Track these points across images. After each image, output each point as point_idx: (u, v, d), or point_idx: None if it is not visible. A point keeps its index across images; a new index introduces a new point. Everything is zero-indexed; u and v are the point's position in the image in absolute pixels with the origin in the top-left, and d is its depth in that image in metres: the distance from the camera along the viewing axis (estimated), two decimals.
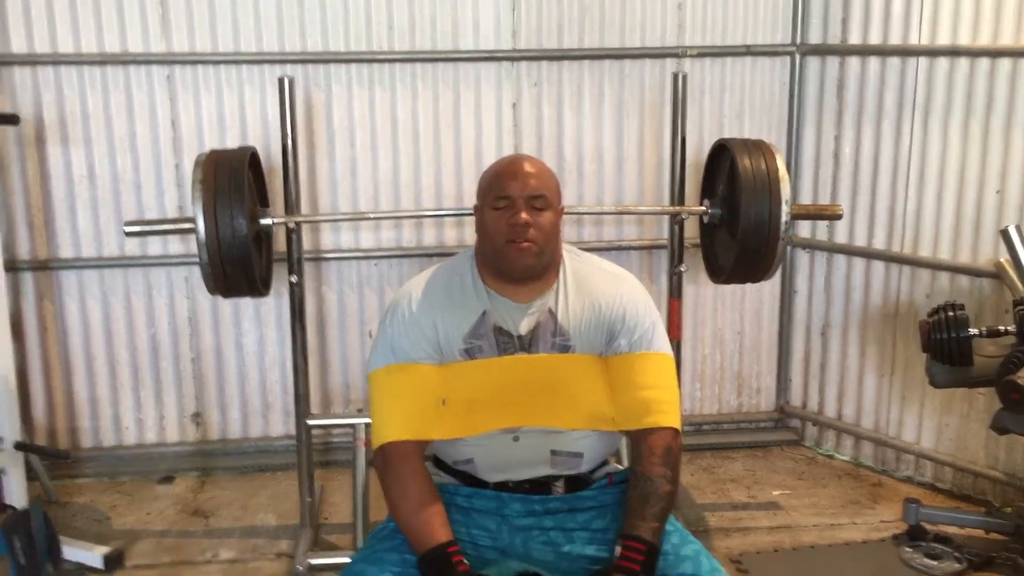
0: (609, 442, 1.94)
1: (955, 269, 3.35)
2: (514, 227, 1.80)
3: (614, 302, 1.89)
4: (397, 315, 1.89)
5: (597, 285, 1.91)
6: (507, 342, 1.86)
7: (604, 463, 1.96)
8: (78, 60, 3.41)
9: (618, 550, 1.71)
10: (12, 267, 3.47)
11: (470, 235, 2.04)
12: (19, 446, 2.98)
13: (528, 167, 1.86)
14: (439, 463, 1.96)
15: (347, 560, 1.79)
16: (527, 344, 1.86)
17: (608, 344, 1.88)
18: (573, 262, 1.95)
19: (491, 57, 3.56)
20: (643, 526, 1.71)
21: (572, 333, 1.86)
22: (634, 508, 1.75)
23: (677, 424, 1.86)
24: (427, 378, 1.85)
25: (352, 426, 3.05)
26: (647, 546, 1.68)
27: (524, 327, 1.86)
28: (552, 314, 1.87)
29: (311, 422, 3.17)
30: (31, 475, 3.23)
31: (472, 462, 1.87)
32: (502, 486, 1.87)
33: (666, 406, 1.85)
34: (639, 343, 1.87)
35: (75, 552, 2.96)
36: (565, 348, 1.86)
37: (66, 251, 3.56)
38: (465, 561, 1.69)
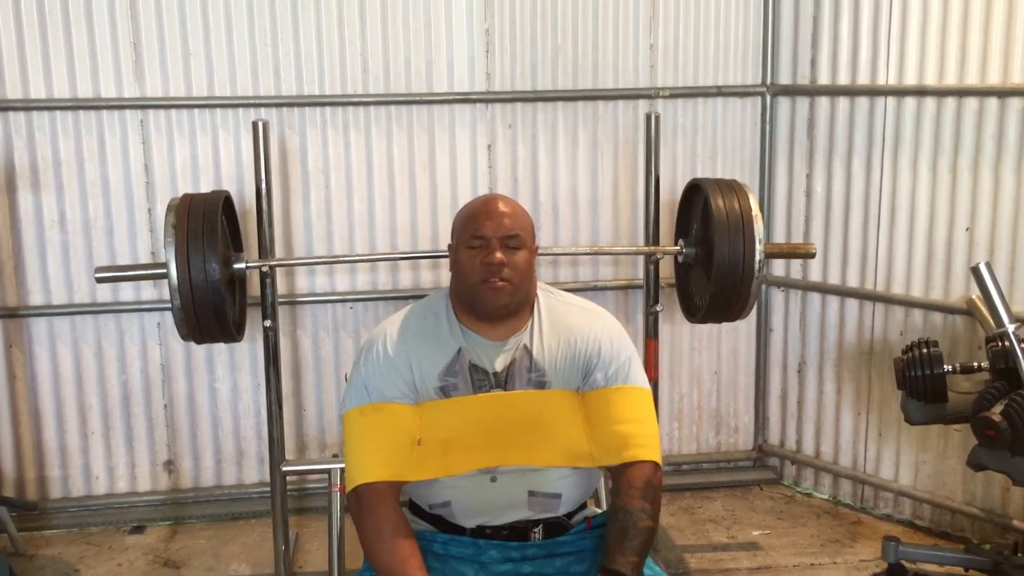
0: (587, 483, 1.93)
1: (928, 306, 3.37)
2: (488, 266, 1.81)
3: (589, 337, 1.89)
4: (371, 355, 1.88)
5: (572, 321, 1.92)
6: (482, 379, 1.86)
7: (582, 507, 1.94)
8: (50, 106, 3.39)
9: None
10: None
11: (446, 277, 2.04)
12: None
13: (502, 207, 1.87)
14: (415, 508, 1.93)
15: None
16: (503, 381, 1.86)
17: (584, 379, 1.88)
18: (548, 299, 1.96)
19: (465, 99, 3.58)
20: (621, 560, 1.69)
21: (548, 369, 1.87)
22: (613, 542, 1.73)
23: (657, 458, 1.85)
24: (402, 418, 1.83)
25: (328, 471, 3.00)
26: None
27: (499, 364, 1.87)
28: (527, 350, 1.88)
29: (285, 468, 3.13)
30: None
31: (449, 505, 1.84)
32: (479, 532, 1.84)
33: (645, 439, 1.85)
34: (615, 377, 1.87)
35: None
36: (541, 384, 1.86)
37: (36, 298, 3.51)
38: None
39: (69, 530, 3.57)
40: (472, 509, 1.84)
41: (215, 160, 3.51)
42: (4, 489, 3.53)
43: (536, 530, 1.85)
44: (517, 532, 1.84)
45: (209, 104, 3.47)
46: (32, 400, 3.57)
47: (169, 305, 2.73)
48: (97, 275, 2.80)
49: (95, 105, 3.42)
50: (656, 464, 1.84)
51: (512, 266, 1.83)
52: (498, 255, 1.81)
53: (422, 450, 1.82)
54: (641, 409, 1.89)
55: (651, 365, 3.17)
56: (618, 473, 1.83)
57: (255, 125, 2.96)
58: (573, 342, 1.89)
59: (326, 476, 3.01)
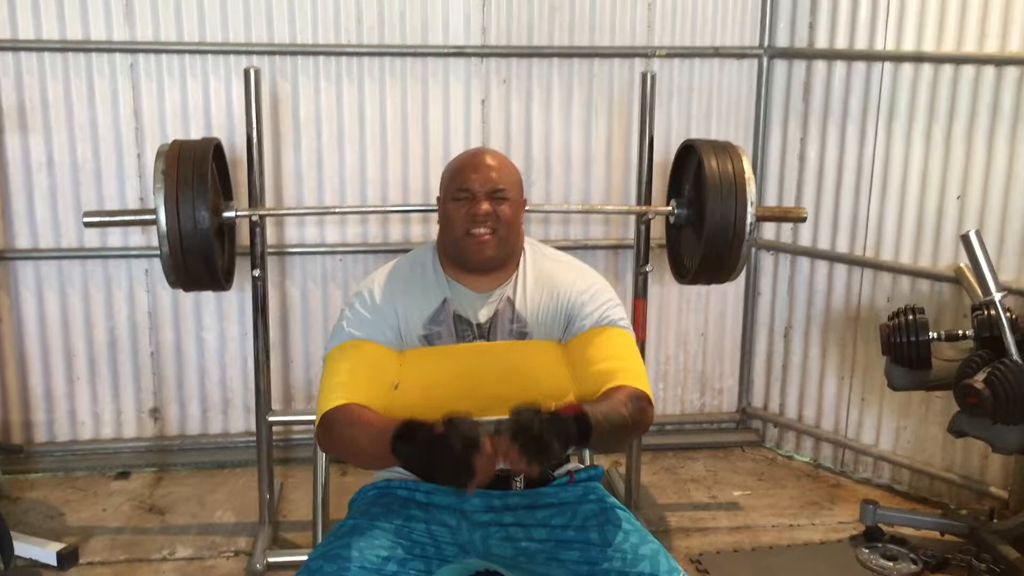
0: None
1: (916, 273, 3.39)
2: (474, 218, 1.85)
3: (572, 288, 1.92)
4: (358, 301, 1.91)
5: (556, 274, 1.95)
6: (466, 330, 1.89)
7: (565, 460, 1.96)
8: (39, 46, 3.34)
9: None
10: None
11: (435, 231, 2.04)
12: None
13: (490, 160, 1.89)
14: None
15: (305, 558, 1.77)
16: (485, 332, 1.88)
17: (566, 330, 1.90)
18: (535, 254, 1.98)
19: (460, 53, 3.54)
20: (589, 406, 1.67)
21: (529, 320, 1.89)
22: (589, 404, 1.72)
23: (646, 388, 1.83)
24: (382, 358, 1.85)
25: (314, 423, 3.01)
26: (583, 412, 1.63)
27: (483, 315, 1.89)
28: (510, 302, 1.91)
29: (272, 418, 3.14)
30: None
31: None
32: None
33: (631, 373, 1.85)
34: (598, 320, 1.89)
35: (28, 548, 2.91)
36: (522, 335, 1.89)
37: (23, 241, 3.48)
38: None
39: (54, 474, 3.58)
40: None
41: (205, 107, 3.47)
42: None
43: (518, 479, 1.87)
44: (499, 481, 1.86)
45: (200, 50, 3.42)
46: (18, 344, 3.56)
47: (157, 252, 2.71)
48: (85, 220, 2.78)
49: (84, 47, 3.37)
50: (644, 393, 1.82)
51: (498, 218, 1.85)
52: (484, 206, 1.85)
53: (400, 394, 1.85)
54: (626, 348, 1.89)
55: (639, 326, 3.18)
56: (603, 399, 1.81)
57: (247, 72, 2.92)
58: (556, 294, 1.91)
59: (312, 427, 3.03)
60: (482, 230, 1.85)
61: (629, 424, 1.75)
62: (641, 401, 1.81)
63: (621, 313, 1.94)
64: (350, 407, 1.80)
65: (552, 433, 1.55)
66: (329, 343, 1.92)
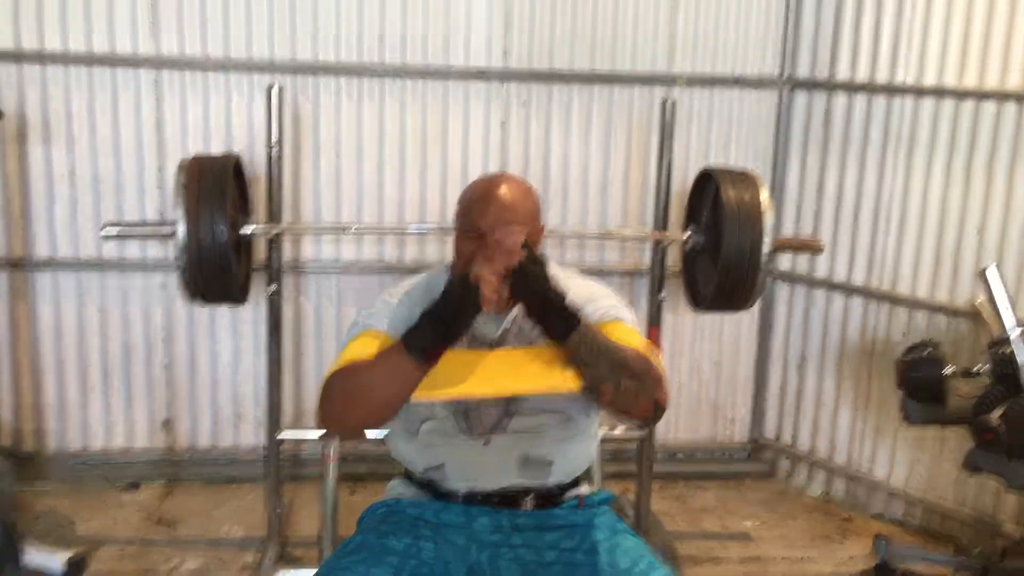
0: (582, 454, 1.93)
1: (933, 308, 3.37)
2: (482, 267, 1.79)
3: (578, 293, 1.84)
4: (375, 306, 1.88)
5: (568, 286, 1.90)
6: (480, 344, 1.87)
7: (575, 483, 1.94)
8: (64, 59, 3.38)
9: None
10: None
11: (452, 252, 2.03)
12: None
13: (503, 195, 1.82)
14: (408, 476, 1.94)
15: (312, 575, 1.76)
16: (495, 345, 1.87)
17: None
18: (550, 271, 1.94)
19: (481, 75, 3.57)
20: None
21: (536, 334, 1.85)
22: None
23: (658, 364, 1.78)
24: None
25: (323, 440, 3.01)
26: (579, 312, 1.67)
27: (494, 333, 1.88)
28: (517, 320, 1.88)
29: (282, 435, 3.14)
30: None
31: (442, 467, 1.85)
32: (471, 499, 1.85)
33: (641, 350, 1.80)
34: (603, 316, 1.84)
35: (37, 557, 2.91)
36: (530, 343, 1.85)
37: (42, 251, 3.51)
38: None
39: (64, 483, 3.58)
40: (464, 472, 1.85)
41: (227, 123, 3.50)
42: (1, 438, 3.55)
43: (527, 499, 1.85)
44: (508, 500, 1.85)
45: (224, 67, 3.46)
46: (33, 353, 3.58)
47: (175, 265, 2.72)
48: (105, 231, 2.80)
49: (110, 61, 3.41)
50: (654, 362, 1.77)
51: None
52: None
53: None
54: (634, 337, 1.83)
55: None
56: None
57: (269, 90, 2.95)
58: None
59: (321, 444, 3.03)
60: (491, 279, 1.80)
61: (628, 360, 1.71)
62: (649, 361, 1.76)
63: (629, 315, 1.90)
64: (350, 363, 1.77)
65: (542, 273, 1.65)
66: (343, 341, 1.87)
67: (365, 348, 1.79)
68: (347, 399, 1.73)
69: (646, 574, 1.72)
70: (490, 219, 1.80)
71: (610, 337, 1.78)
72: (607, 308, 1.87)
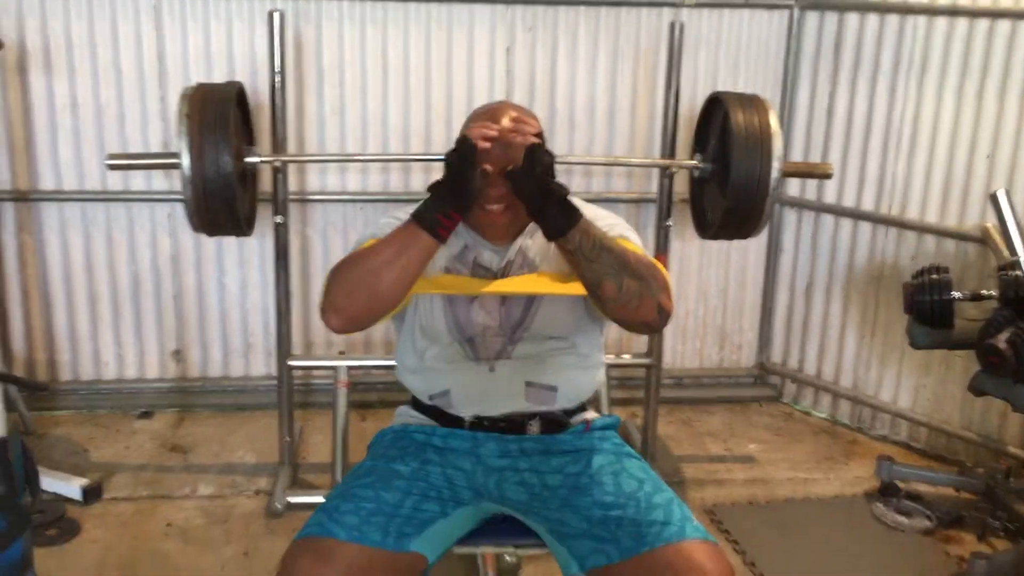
0: (587, 380, 1.94)
1: (941, 232, 3.35)
2: (488, 197, 1.79)
3: (586, 215, 1.81)
4: (382, 221, 1.88)
5: None
6: (485, 275, 1.87)
7: (582, 408, 1.96)
8: None
9: None
10: None
11: None
12: None
13: (506, 132, 1.77)
14: (415, 403, 1.96)
15: (323, 499, 1.79)
16: (500, 275, 1.87)
17: None
18: None
19: None
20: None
21: (539, 261, 1.86)
22: None
23: (669, 286, 1.76)
24: None
25: (334, 368, 3.05)
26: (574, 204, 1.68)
27: (498, 264, 1.88)
28: (522, 250, 1.88)
29: (292, 363, 3.17)
30: (8, 406, 3.21)
31: (448, 394, 1.87)
32: (477, 425, 1.87)
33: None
34: (613, 233, 1.81)
35: (53, 483, 2.97)
36: (533, 270, 1.87)
37: (47, 183, 3.51)
38: None
39: (78, 412, 3.64)
40: (470, 398, 1.87)
41: (229, 50, 3.46)
42: (15, 369, 3.60)
43: (532, 424, 1.88)
44: (514, 425, 1.87)
45: None
46: (43, 284, 3.60)
47: (180, 196, 2.72)
48: (108, 162, 2.79)
49: None
50: (660, 268, 1.75)
51: (512, 195, 1.78)
52: (495, 192, 1.77)
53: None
54: (640, 251, 1.81)
55: None
56: None
57: (271, 15, 2.91)
58: None
59: (331, 372, 3.07)
60: (495, 207, 1.80)
61: (631, 259, 1.69)
62: (654, 264, 1.75)
63: (635, 236, 1.88)
64: (356, 251, 1.77)
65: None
66: (348, 251, 1.85)
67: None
68: (354, 282, 1.71)
69: (651, 497, 1.74)
70: (493, 157, 1.77)
71: None
72: (612, 226, 1.85)
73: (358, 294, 1.71)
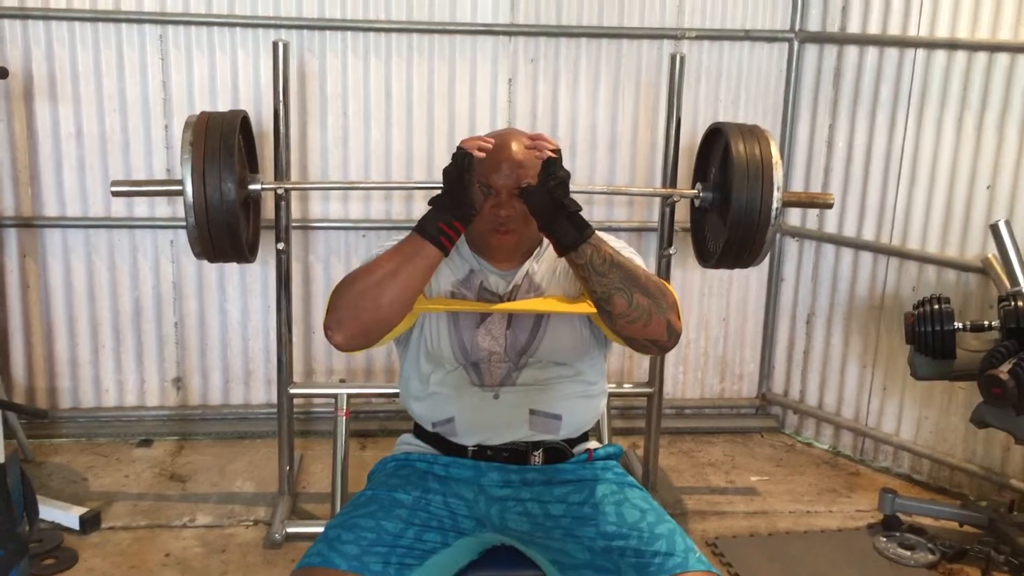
0: (590, 408, 1.93)
1: (942, 263, 3.36)
2: (496, 217, 1.80)
3: None
4: (386, 244, 1.84)
5: None
6: (490, 298, 1.88)
7: (584, 438, 1.96)
8: (69, 15, 3.36)
9: None
10: None
11: None
12: None
13: (516, 154, 1.80)
14: (418, 431, 1.96)
15: (323, 529, 1.78)
16: (506, 300, 1.88)
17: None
18: None
19: (488, 31, 3.53)
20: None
21: (546, 286, 1.88)
22: None
23: (677, 306, 1.76)
24: None
25: (334, 396, 3.04)
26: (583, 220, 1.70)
27: (505, 289, 1.89)
28: (529, 276, 1.90)
29: (293, 391, 3.16)
30: (8, 433, 3.20)
31: (452, 421, 1.87)
32: (480, 454, 1.86)
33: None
34: (620, 253, 1.79)
35: (51, 512, 2.95)
36: (539, 294, 1.88)
37: (51, 209, 3.52)
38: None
39: (78, 440, 3.63)
40: (474, 425, 1.86)
41: (233, 80, 3.49)
42: (15, 396, 3.59)
43: (536, 454, 1.87)
44: (517, 455, 1.86)
45: (229, 23, 3.43)
46: (44, 311, 3.60)
47: (183, 223, 2.72)
48: (113, 189, 2.79)
49: (114, 17, 3.39)
50: (670, 291, 1.76)
51: (522, 216, 1.80)
52: (507, 211, 1.79)
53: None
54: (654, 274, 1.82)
55: None
56: None
57: (275, 46, 2.93)
58: None
59: (332, 400, 3.06)
60: (505, 228, 1.81)
61: (641, 276, 1.70)
62: (663, 283, 1.75)
63: (641, 262, 1.87)
64: (360, 267, 1.76)
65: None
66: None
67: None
68: (358, 295, 1.70)
69: (653, 527, 1.73)
70: (504, 176, 1.79)
71: None
72: (620, 249, 1.84)
73: (362, 307, 1.70)
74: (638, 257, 1.89)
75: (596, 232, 1.71)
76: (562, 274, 1.90)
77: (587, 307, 1.75)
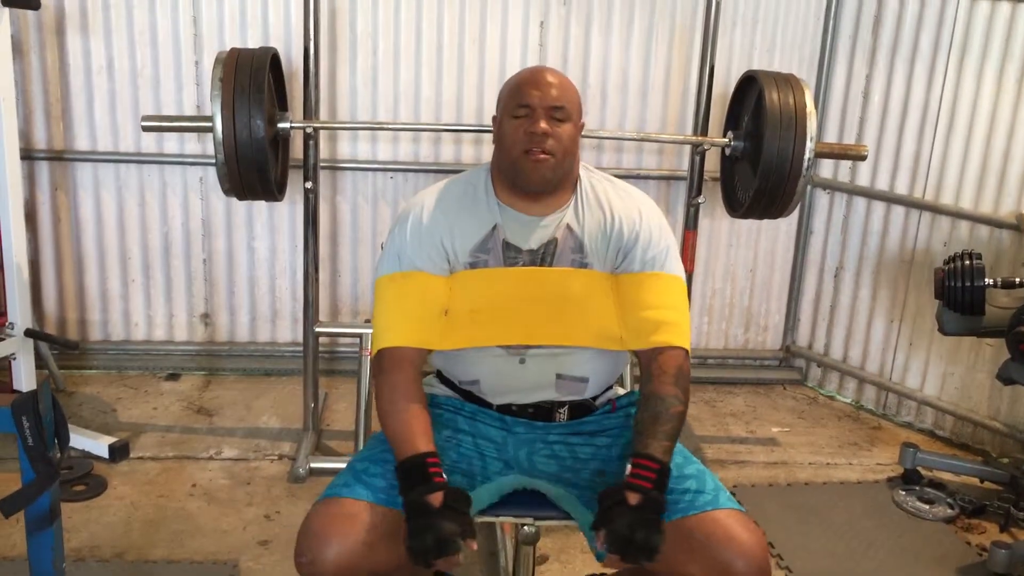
0: (614, 367, 1.94)
1: (975, 219, 3.31)
2: (532, 136, 1.77)
3: (632, 221, 1.85)
4: (408, 223, 1.86)
5: (615, 203, 1.88)
6: (515, 256, 1.84)
7: (607, 389, 1.96)
8: None
9: (628, 468, 1.69)
10: (28, 156, 3.46)
11: (488, 153, 2.00)
12: (29, 333, 3.03)
13: (550, 77, 1.82)
14: (443, 380, 1.96)
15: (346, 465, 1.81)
16: (539, 258, 1.84)
17: (620, 262, 1.86)
18: (591, 178, 1.91)
19: None
20: (654, 444, 1.70)
21: (589, 250, 1.85)
22: (645, 428, 1.74)
23: (686, 345, 1.84)
24: (431, 287, 1.83)
25: (359, 336, 3.07)
26: (659, 464, 1.67)
27: (534, 241, 1.84)
28: (570, 230, 1.85)
29: (318, 329, 3.19)
30: (39, 363, 3.27)
31: (478, 383, 1.87)
32: (506, 409, 1.87)
33: (676, 327, 1.83)
34: (652, 263, 1.85)
35: (81, 440, 3.02)
36: (583, 265, 1.84)
37: (82, 143, 3.54)
38: (442, 474, 1.68)
39: (107, 371, 3.69)
40: (500, 388, 1.86)
41: (263, 16, 3.47)
42: (46, 327, 3.65)
43: (561, 411, 1.88)
44: (542, 412, 1.87)
45: None
46: (75, 244, 3.64)
47: (212, 160, 2.73)
48: (143, 124, 2.81)
49: None
50: (686, 351, 1.84)
51: (556, 138, 1.78)
52: (542, 125, 1.77)
53: (449, 320, 1.83)
54: (674, 296, 1.87)
55: (687, 257, 3.17)
56: (648, 359, 1.82)
57: None
58: (616, 223, 1.85)
59: (357, 340, 3.09)
60: (540, 149, 1.78)
61: (684, 411, 1.79)
62: (684, 370, 1.82)
63: (675, 255, 1.90)
64: (402, 358, 1.80)
65: (648, 528, 1.60)
66: (380, 267, 1.89)
67: (403, 303, 1.83)
68: (377, 396, 1.80)
69: (682, 468, 1.75)
70: (540, 94, 1.78)
71: (654, 295, 1.83)
72: (659, 253, 1.85)
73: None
74: (672, 258, 1.89)
75: (664, 461, 1.69)
76: (603, 240, 1.86)
77: (617, 343, 1.85)
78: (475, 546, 1.61)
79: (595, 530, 1.64)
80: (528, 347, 1.83)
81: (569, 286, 1.83)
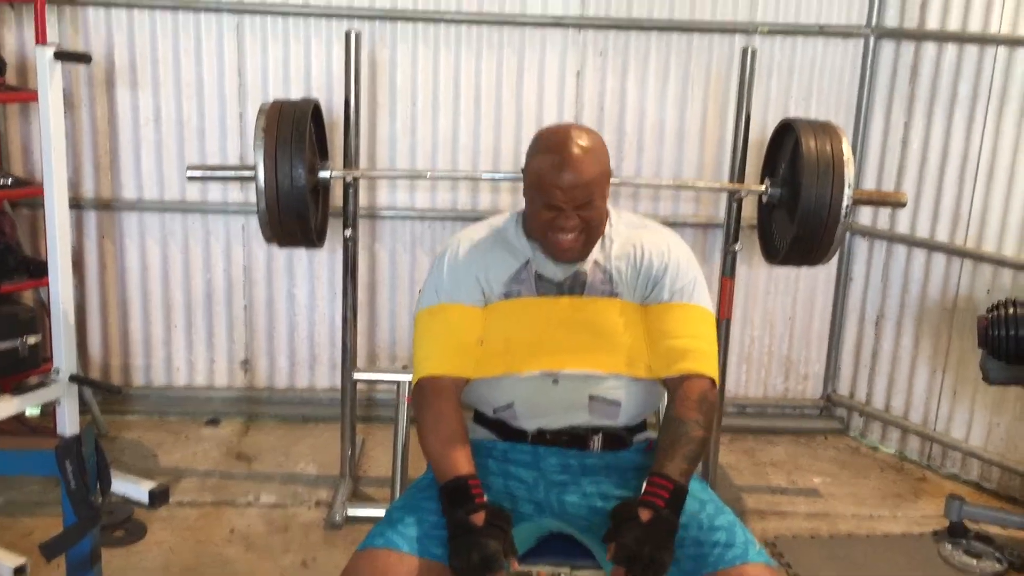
0: (646, 397, 1.94)
1: (1018, 266, 3.27)
2: (561, 227, 1.82)
3: (661, 253, 1.91)
4: (445, 260, 1.94)
5: (643, 236, 1.94)
6: (547, 287, 1.90)
7: (643, 427, 1.96)
8: (151, 4, 3.46)
9: (644, 486, 1.71)
10: (76, 204, 3.55)
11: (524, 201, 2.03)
12: (74, 379, 3.08)
13: (576, 163, 1.79)
14: (478, 418, 1.98)
15: (383, 512, 1.81)
16: (568, 288, 1.89)
17: (649, 293, 1.90)
18: (619, 219, 1.97)
19: (558, 23, 3.54)
20: (671, 465, 1.72)
21: (617, 280, 1.89)
22: (664, 449, 1.76)
23: (714, 374, 1.87)
24: (468, 318, 1.89)
25: (396, 382, 3.07)
26: (674, 484, 1.69)
27: (563, 274, 1.90)
28: (598, 265, 1.90)
29: (357, 376, 3.21)
30: (83, 408, 3.32)
31: (512, 407, 1.88)
32: (539, 438, 1.88)
33: (702, 356, 1.87)
34: (680, 294, 1.89)
35: (122, 485, 3.04)
36: (613, 295, 1.89)
37: (129, 192, 3.63)
38: (483, 495, 1.72)
39: (149, 416, 3.74)
40: (534, 410, 1.88)
41: (306, 69, 3.55)
42: (90, 372, 3.71)
43: (595, 438, 1.88)
44: (576, 439, 1.88)
45: (304, 12, 3.50)
46: (120, 291, 3.71)
47: (255, 209, 2.79)
48: (189, 173, 2.88)
49: (193, 7, 3.47)
50: (712, 381, 1.86)
51: (584, 222, 1.83)
52: (571, 222, 1.81)
53: (485, 349, 1.89)
54: (702, 326, 1.90)
55: (725, 304, 3.15)
56: (674, 386, 1.86)
57: (348, 36, 2.97)
58: (645, 255, 1.91)
59: (395, 386, 3.09)
60: (569, 236, 1.83)
61: (705, 436, 1.80)
62: (708, 398, 1.83)
63: (703, 288, 1.93)
64: (444, 386, 1.86)
65: (657, 545, 1.62)
66: (419, 302, 1.96)
67: (441, 334, 1.90)
68: (419, 425, 1.86)
69: (713, 519, 1.73)
70: (566, 195, 1.80)
71: (680, 324, 1.87)
72: (686, 284, 1.90)
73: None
74: (701, 290, 1.92)
75: (680, 482, 1.71)
76: (632, 271, 1.90)
77: (645, 371, 1.88)
78: (517, 565, 1.66)
79: (605, 543, 1.68)
80: (561, 371, 1.86)
81: (600, 314, 1.88)
